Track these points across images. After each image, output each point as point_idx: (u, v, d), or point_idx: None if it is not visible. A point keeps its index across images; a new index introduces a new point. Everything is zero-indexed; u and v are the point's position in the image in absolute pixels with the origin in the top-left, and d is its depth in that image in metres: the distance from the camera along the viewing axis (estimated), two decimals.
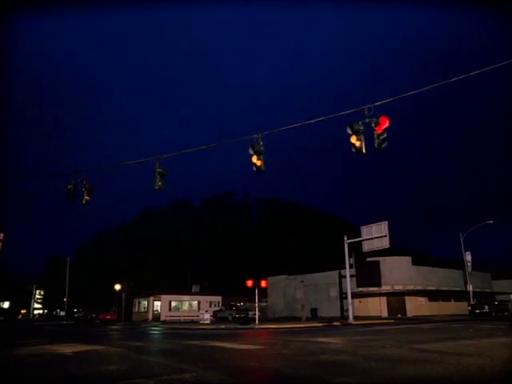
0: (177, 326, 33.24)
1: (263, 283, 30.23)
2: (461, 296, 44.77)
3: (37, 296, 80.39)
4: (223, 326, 27.28)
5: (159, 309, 53.21)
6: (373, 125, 11.54)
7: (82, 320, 51.37)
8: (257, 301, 29.95)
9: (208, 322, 36.50)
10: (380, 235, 29.67)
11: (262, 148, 13.10)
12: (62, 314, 68.87)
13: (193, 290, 59.49)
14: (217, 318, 44.80)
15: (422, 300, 42.76)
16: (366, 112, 11.70)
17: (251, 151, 13.06)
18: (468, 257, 43.51)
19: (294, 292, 46.63)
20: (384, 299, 41.58)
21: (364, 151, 11.60)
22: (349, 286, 31.64)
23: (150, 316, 53.22)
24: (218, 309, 50.81)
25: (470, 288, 41.35)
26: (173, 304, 54.38)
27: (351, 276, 33.33)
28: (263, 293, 45.91)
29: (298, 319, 36.61)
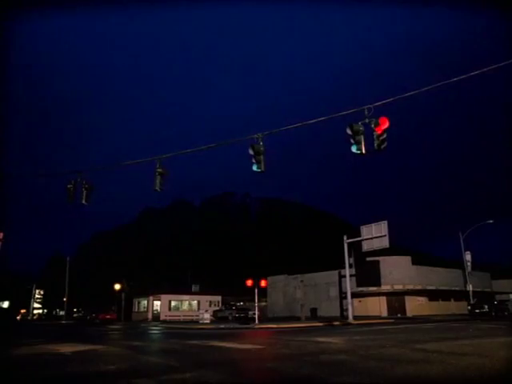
0: (176, 325, 33.23)
1: (263, 283, 30.25)
2: (461, 296, 44.78)
3: (36, 296, 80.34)
4: (223, 326, 27.26)
5: (159, 308, 53.21)
6: (372, 125, 11.53)
7: (82, 320, 51.38)
8: (256, 300, 29.96)
9: (208, 321, 36.49)
10: (380, 235, 29.69)
11: (261, 148, 13.10)
12: (62, 313, 68.79)
13: (193, 290, 59.49)
14: (216, 317, 44.78)
15: (422, 300, 42.77)
16: (365, 112, 11.69)
17: (251, 151, 13.06)
18: (468, 256, 43.50)
19: (294, 292, 46.62)
20: (384, 299, 41.59)
21: (364, 152, 11.60)
22: (348, 285, 31.64)
23: (150, 316, 53.22)
24: (217, 308, 50.78)
25: (470, 288, 41.35)
26: (172, 304, 54.38)
27: (351, 276, 33.34)
28: (263, 292, 45.90)
29: (297, 319, 36.59)
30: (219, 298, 57.40)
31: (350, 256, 33.23)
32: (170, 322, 45.48)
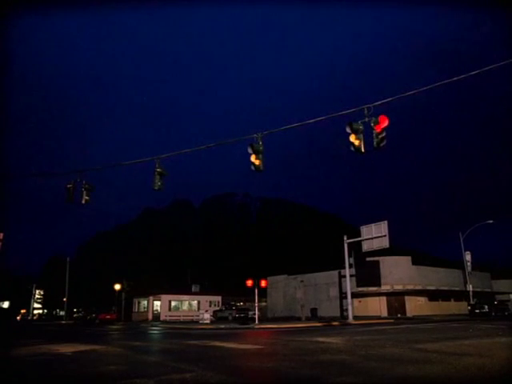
0: (176, 325, 33.22)
1: (263, 283, 30.25)
2: (461, 296, 44.74)
3: (36, 296, 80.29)
4: (223, 326, 27.26)
5: (159, 308, 53.20)
6: (372, 124, 11.51)
7: (82, 320, 51.34)
8: (256, 300, 29.95)
9: (208, 321, 36.48)
10: (380, 235, 29.66)
11: (260, 147, 13.09)
12: (62, 313, 68.81)
13: (193, 290, 59.50)
14: (216, 317, 44.79)
15: (422, 300, 42.72)
16: (365, 111, 11.68)
17: (250, 151, 13.05)
18: (468, 257, 43.48)
19: (294, 292, 46.56)
20: (384, 299, 41.54)
21: (363, 150, 11.58)
22: (348, 285, 31.62)
23: (150, 316, 53.21)
24: (217, 309, 50.79)
25: (470, 288, 41.32)
26: (172, 304, 54.36)
27: (351, 276, 33.32)
28: (263, 293, 45.90)
29: (297, 319, 36.59)
30: (219, 298, 57.38)
31: (350, 256, 33.23)
32: (170, 322, 45.47)
